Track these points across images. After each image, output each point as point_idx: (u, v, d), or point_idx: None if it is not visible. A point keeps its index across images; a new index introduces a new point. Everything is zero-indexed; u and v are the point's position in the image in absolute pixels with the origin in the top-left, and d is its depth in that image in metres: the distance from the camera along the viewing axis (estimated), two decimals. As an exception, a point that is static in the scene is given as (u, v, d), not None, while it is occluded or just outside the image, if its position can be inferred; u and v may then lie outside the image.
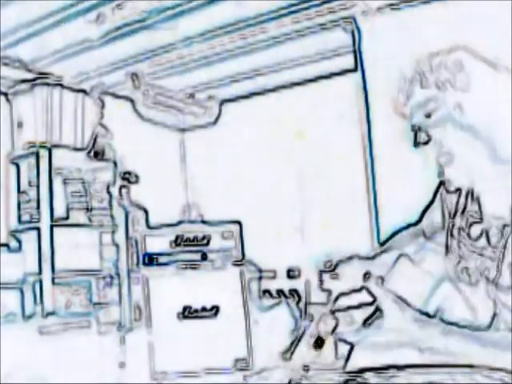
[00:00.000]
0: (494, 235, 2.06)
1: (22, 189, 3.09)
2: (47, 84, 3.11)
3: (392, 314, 2.22)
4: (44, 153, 3.05)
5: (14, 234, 3.04)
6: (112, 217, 3.16)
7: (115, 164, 3.21)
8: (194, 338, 2.93)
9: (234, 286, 3.01)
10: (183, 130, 3.63)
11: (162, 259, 3.07)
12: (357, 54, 2.89)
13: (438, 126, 2.07)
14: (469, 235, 2.10)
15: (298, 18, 2.90)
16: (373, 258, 2.36)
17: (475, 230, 2.11)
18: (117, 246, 3.13)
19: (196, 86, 3.55)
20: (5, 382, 2.68)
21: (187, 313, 2.98)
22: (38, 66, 3.12)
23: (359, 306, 2.25)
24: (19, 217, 3.06)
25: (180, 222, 3.21)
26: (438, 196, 2.28)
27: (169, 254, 3.08)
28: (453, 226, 2.21)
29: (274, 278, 3.03)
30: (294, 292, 2.92)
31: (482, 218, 2.07)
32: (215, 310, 2.98)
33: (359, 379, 1.89)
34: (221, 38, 3.04)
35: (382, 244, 2.40)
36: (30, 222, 3.03)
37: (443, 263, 2.19)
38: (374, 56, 2.83)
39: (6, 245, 3.01)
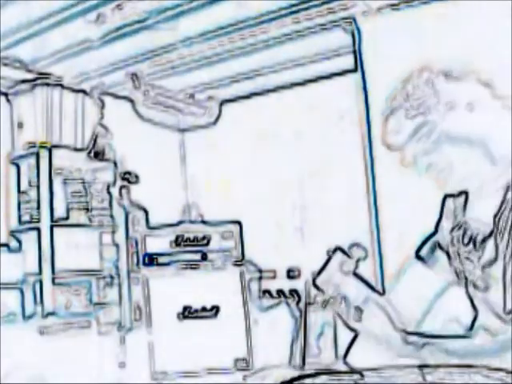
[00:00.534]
0: (480, 240, 2.07)
1: (22, 189, 3.09)
2: (47, 84, 3.11)
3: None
4: (44, 153, 3.05)
5: (14, 234, 3.04)
6: (112, 217, 3.16)
7: (115, 164, 3.22)
8: (194, 338, 2.94)
9: (234, 286, 3.01)
10: (183, 130, 3.63)
11: (162, 259, 3.07)
12: (357, 54, 2.89)
13: (436, 144, 2.10)
14: (463, 241, 2.11)
15: (298, 18, 2.90)
16: None
17: (467, 236, 2.12)
18: (117, 246, 3.13)
19: (196, 87, 3.55)
20: (5, 382, 2.68)
21: (187, 313, 2.98)
22: (38, 66, 3.12)
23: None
24: (19, 217, 3.06)
25: (180, 222, 3.21)
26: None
27: (169, 254, 3.08)
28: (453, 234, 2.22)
29: (273, 278, 3.03)
30: (293, 292, 2.92)
31: (475, 225, 2.08)
32: (215, 310, 2.98)
33: (359, 379, 1.89)
34: (221, 39, 3.04)
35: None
36: (30, 222, 3.03)
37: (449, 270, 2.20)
38: (374, 56, 2.83)
39: (6, 245, 3.01)
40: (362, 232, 2.88)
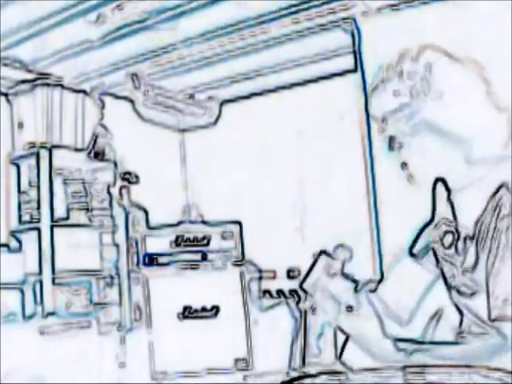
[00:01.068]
0: (462, 245, 2.05)
1: (22, 189, 3.09)
2: (47, 84, 3.12)
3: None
4: (44, 153, 3.05)
5: (14, 234, 3.05)
6: (112, 217, 3.16)
7: (115, 164, 3.22)
8: (194, 338, 2.94)
9: (234, 286, 3.02)
10: (183, 131, 3.63)
11: (162, 259, 3.07)
12: (357, 54, 2.89)
13: (412, 132, 2.07)
14: (443, 244, 2.09)
15: (298, 18, 2.90)
16: None
17: (448, 239, 2.10)
18: (117, 246, 3.14)
19: (196, 87, 3.55)
20: (5, 382, 2.69)
21: (187, 313, 2.98)
22: (38, 66, 3.12)
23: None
24: (19, 217, 3.07)
25: (180, 223, 3.21)
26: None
27: (169, 255, 3.08)
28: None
29: (273, 278, 3.03)
30: (293, 292, 2.92)
31: (456, 228, 2.06)
32: (215, 310, 2.99)
33: (358, 379, 1.89)
34: (221, 39, 3.04)
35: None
36: (31, 222, 3.03)
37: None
38: (374, 57, 2.83)
39: (7, 245, 3.01)
40: (362, 232, 2.89)
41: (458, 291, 2.01)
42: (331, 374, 1.96)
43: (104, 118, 3.26)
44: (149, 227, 3.12)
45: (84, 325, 2.96)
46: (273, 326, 2.92)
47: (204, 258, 3.08)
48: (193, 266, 3.07)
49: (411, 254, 2.24)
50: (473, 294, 1.96)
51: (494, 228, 1.91)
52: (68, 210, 3.09)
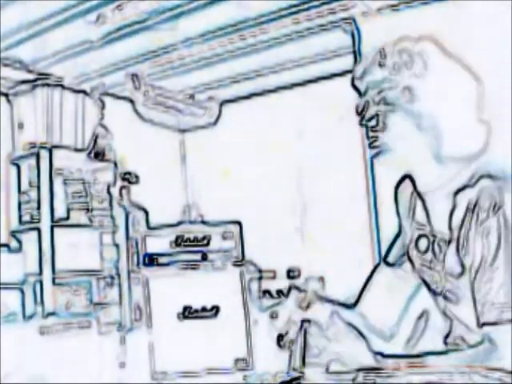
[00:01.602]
0: (439, 249, 2.00)
1: (22, 189, 3.09)
2: (48, 85, 3.12)
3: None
4: (44, 153, 3.06)
5: (14, 234, 3.05)
6: (112, 217, 3.17)
7: (115, 164, 3.22)
8: (194, 338, 2.94)
9: (234, 286, 3.01)
10: (183, 131, 3.64)
11: (163, 259, 3.07)
12: (357, 54, 2.89)
13: (386, 106, 2.01)
14: (417, 248, 2.06)
15: (298, 18, 2.90)
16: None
17: (423, 243, 2.05)
18: (117, 246, 3.14)
19: (196, 87, 3.56)
20: (5, 382, 2.69)
21: (187, 313, 2.98)
22: (38, 66, 3.12)
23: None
24: (20, 217, 3.07)
25: (180, 223, 3.21)
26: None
27: (169, 255, 3.08)
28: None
29: (273, 278, 3.04)
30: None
31: (431, 231, 2.02)
32: (215, 310, 2.98)
33: (357, 379, 1.88)
34: (221, 39, 3.05)
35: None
36: (31, 222, 3.03)
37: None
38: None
39: (7, 245, 3.01)
40: (362, 232, 2.89)
41: (445, 297, 1.98)
42: (343, 374, 1.95)
43: (104, 119, 3.26)
44: (149, 227, 3.12)
45: (84, 325, 2.96)
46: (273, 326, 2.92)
47: (204, 258, 3.08)
48: (193, 266, 3.07)
49: (387, 264, 2.19)
50: (459, 300, 1.93)
51: (475, 232, 1.88)
52: (68, 210, 3.09)
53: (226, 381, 2.88)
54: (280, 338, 2.13)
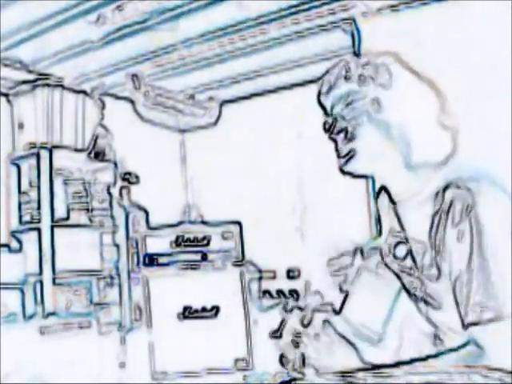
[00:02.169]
0: (417, 254, 2.02)
1: (22, 189, 3.10)
2: (48, 85, 3.12)
3: None
4: (45, 154, 3.06)
5: (14, 234, 3.05)
6: (112, 217, 3.17)
7: (115, 165, 3.22)
8: (194, 338, 2.94)
9: (233, 286, 3.02)
10: (183, 131, 3.64)
11: (163, 260, 3.08)
12: (356, 55, 2.89)
13: (354, 117, 2.02)
14: (394, 255, 2.07)
15: (297, 19, 2.90)
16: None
17: (401, 250, 2.06)
18: (117, 246, 3.14)
19: (196, 87, 3.56)
20: (5, 382, 2.69)
21: (187, 313, 2.99)
22: (38, 67, 3.12)
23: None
24: (20, 217, 3.07)
25: (180, 223, 3.22)
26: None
27: (169, 255, 3.09)
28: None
29: (273, 278, 3.04)
30: (293, 292, 2.92)
31: (406, 238, 2.04)
32: (215, 310, 2.99)
33: (357, 379, 1.88)
34: (221, 39, 3.05)
35: None
36: (31, 222, 3.03)
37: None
38: (373, 54, 2.83)
39: (7, 245, 3.01)
40: (362, 232, 2.89)
41: (426, 302, 1.99)
42: (343, 374, 1.95)
43: (104, 119, 3.26)
44: (149, 227, 3.13)
45: (84, 325, 2.97)
46: (273, 326, 2.92)
47: (204, 258, 3.08)
48: (193, 266, 3.07)
49: (361, 252, 2.21)
50: (440, 305, 1.94)
51: (450, 235, 1.89)
52: (68, 211, 3.09)
53: (226, 381, 2.89)
54: (282, 357, 2.14)
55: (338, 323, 2.08)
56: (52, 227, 3.01)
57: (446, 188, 1.91)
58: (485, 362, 1.79)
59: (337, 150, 2.13)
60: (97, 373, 2.85)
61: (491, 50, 2.55)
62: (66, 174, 3.12)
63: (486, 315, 1.80)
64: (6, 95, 3.12)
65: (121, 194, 3.19)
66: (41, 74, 3.14)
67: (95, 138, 3.24)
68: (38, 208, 3.02)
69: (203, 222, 3.26)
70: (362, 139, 2.00)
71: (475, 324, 1.81)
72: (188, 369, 2.92)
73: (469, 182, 1.89)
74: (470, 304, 1.83)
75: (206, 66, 3.29)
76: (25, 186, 3.09)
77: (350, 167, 2.06)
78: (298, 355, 2.11)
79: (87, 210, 3.13)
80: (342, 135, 2.06)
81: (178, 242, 3.09)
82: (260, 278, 3.04)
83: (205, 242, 3.10)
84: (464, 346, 1.84)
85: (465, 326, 1.83)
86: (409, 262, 2.00)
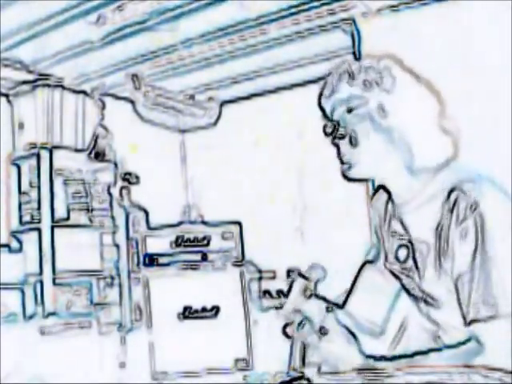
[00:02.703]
0: (420, 256, 2.03)
1: (22, 190, 3.10)
2: (48, 85, 3.12)
3: None
4: (45, 154, 3.06)
5: (14, 234, 3.05)
6: (113, 217, 3.17)
7: (116, 165, 3.22)
8: (194, 338, 2.94)
9: (234, 286, 3.02)
10: (183, 131, 3.64)
11: (163, 260, 3.08)
12: (356, 55, 2.90)
13: (357, 122, 2.03)
14: (396, 257, 2.08)
15: (297, 19, 2.90)
16: None
17: (402, 252, 2.08)
18: (117, 246, 3.14)
19: (196, 88, 3.56)
20: (5, 382, 2.69)
21: (187, 313, 2.99)
22: (39, 67, 3.12)
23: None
24: (20, 217, 3.07)
25: (180, 223, 3.22)
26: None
27: (169, 255, 3.09)
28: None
29: (273, 278, 3.04)
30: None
31: (409, 240, 2.05)
32: (215, 310, 2.99)
33: (357, 379, 1.89)
34: (221, 40, 3.05)
35: None
36: (31, 222, 3.04)
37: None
38: (373, 57, 2.83)
39: (7, 245, 3.02)
40: (362, 232, 2.89)
41: (426, 302, 2.00)
42: (344, 374, 1.95)
43: (104, 119, 3.26)
44: (149, 227, 3.13)
45: (84, 325, 2.97)
46: (273, 326, 2.93)
47: (204, 258, 3.09)
48: (193, 266, 3.07)
49: (368, 261, 2.22)
50: (440, 305, 1.95)
51: (454, 233, 1.90)
52: (68, 211, 3.09)
53: (226, 381, 2.89)
54: (286, 327, 2.14)
55: (341, 316, 2.09)
56: (52, 227, 3.01)
57: (451, 189, 1.92)
58: (484, 359, 1.80)
59: (339, 154, 2.13)
60: (97, 373, 2.85)
61: (491, 50, 2.55)
62: (66, 174, 3.12)
63: (487, 312, 1.81)
64: (7, 95, 3.12)
65: (121, 195, 3.19)
66: (41, 75, 3.14)
67: (95, 139, 3.24)
68: (38, 208, 3.02)
69: (203, 222, 3.26)
70: (365, 145, 2.01)
71: (477, 321, 1.82)
72: (188, 369, 2.92)
73: (471, 183, 1.90)
74: (471, 301, 1.84)
75: (206, 67, 3.29)
76: (25, 186, 3.10)
77: (354, 173, 2.07)
78: (298, 353, 2.11)
79: (87, 210, 3.13)
80: (344, 141, 2.07)
81: (178, 242, 3.09)
82: (260, 278, 3.04)
83: (205, 242, 3.10)
84: (464, 342, 1.85)
85: (467, 324, 1.84)
86: (409, 263, 2.01)
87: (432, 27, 2.69)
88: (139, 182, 3.21)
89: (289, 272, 3.00)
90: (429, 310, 2.00)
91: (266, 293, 3.02)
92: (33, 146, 3.08)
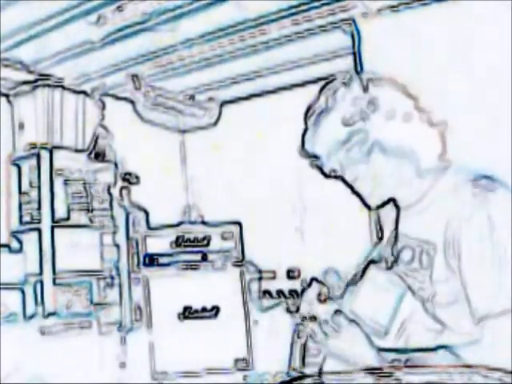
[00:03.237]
0: (426, 258, 2.04)
1: (23, 190, 3.10)
2: (48, 85, 3.12)
3: None
4: (45, 154, 3.06)
5: (14, 234, 3.05)
6: (113, 218, 3.17)
7: (116, 165, 3.22)
8: (194, 338, 2.94)
9: (234, 286, 3.02)
10: (184, 132, 3.64)
11: (163, 260, 3.08)
12: (356, 55, 2.90)
13: (364, 158, 2.06)
14: (401, 259, 2.09)
15: (297, 19, 2.90)
16: None
17: (406, 254, 2.09)
18: (117, 246, 3.14)
19: (196, 88, 3.56)
20: (5, 382, 2.69)
21: (187, 313, 2.99)
22: (39, 67, 3.13)
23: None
24: (20, 217, 3.07)
25: (180, 223, 3.22)
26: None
27: (169, 255, 3.09)
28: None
29: (273, 278, 3.04)
30: (293, 292, 2.92)
31: (415, 241, 2.06)
32: (215, 310, 2.99)
33: (357, 379, 1.89)
34: (221, 40, 3.05)
35: None
36: (31, 222, 3.03)
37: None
38: (373, 58, 2.84)
39: (7, 245, 3.02)
40: (362, 232, 2.89)
41: (432, 302, 2.01)
42: (344, 374, 1.96)
43: (105, 119, 3.26)
44: (149, 228, 3.13)
45: (84, 325, 2.97)
46: (273, 326, 2.93)
47: (204, 258, 3.09)
48: (193, 266, 3.07)
49: (372, 261, 2.23)
50: (449, 304, 1.95)
51: (462, 231, 1.91)
52: (68, 211, 3.09)
53: (226, 381, 2.89)
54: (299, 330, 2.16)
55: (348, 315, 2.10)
56: (52, 227, 3.01)
57: (455, 187, 1.93)
58: (495, 355, 1.81)
59: (347, 184, 2.17)
60: (97, 373, 2.85)
61: (491, 50, 2.55)
62: (67, 174, 3.12)
63: (497, 308, 1.82)
64: (7, 95, 3.12)
65: (121, 195, 3.19)
66: (41, 75, 3.14)
67: (95, 139, 3.24)
68: (39, 208, 3.02)
69: (203, 223, 3.26)
70: (376, 169, 2.03)
71: (486, 318, 1.83)
72: (188, 369, 2.92)
73: (478, 182, 1.92)
74: (481, 298, 1.84)
75: (206, 67, 3.29)
76: (25, 186, 3.10)
77: (374, 202, 2.11)
78: (298, 353, 2.12)
79: (87, 210, 3.13)
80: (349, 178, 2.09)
81: (178, 242, 3.09)
82: (260, 278, 3.04)
83: (205, 242, 3.11)
84: (474, 340, 1.86)
85: (476, 320, 1.85)
86: (416, 264, 2.02)
87: (432, 27, 2.69)
88: (139, 182, 3.21)
89: (289, 272, 3.01)
90: (434, 310, 2.01)
91: (266, 293, 3.02)
92: (33, 146, 3.08)
